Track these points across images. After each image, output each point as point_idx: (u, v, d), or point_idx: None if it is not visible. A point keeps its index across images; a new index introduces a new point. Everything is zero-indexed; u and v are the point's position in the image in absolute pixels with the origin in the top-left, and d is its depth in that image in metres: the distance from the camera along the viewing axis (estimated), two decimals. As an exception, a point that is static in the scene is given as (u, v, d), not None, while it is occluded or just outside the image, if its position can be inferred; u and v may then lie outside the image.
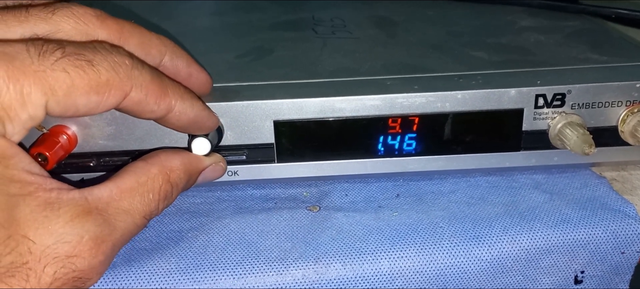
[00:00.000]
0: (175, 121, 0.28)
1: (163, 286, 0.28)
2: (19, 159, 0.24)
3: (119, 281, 0.28)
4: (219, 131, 0.32)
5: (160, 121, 0.28)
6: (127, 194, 0.27)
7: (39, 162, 0.29)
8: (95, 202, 0.25)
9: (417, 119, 0.33)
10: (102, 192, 0.26)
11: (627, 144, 0.34)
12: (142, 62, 0.26)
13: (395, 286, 0.30)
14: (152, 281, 0.29)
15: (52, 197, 0.24)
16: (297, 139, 0.33)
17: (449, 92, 0.33)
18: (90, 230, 0.25)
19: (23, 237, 0.23)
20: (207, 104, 0.32)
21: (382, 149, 0.34)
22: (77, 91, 0.23)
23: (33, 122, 0.23)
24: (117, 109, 0.26)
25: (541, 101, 0.33)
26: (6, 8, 0.26)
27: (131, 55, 0.26)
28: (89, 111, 0.25)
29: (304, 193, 0.35)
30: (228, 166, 0.34)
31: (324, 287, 0.29)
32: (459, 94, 0.33)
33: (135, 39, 0.28)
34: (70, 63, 0.23)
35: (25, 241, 0.23)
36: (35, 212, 0.23)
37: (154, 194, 0.28)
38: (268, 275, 0.29)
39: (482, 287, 0.30)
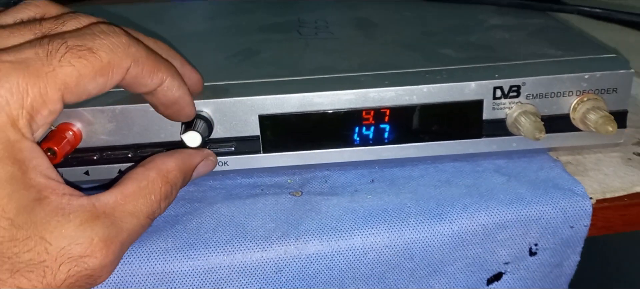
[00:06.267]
0: (161, 96, 0.31)
1: (161, 263, 0.32)
2: (38, 162, 0.27)
3: (121, 259, 0.32)
4: (209, 125, 0.36)
5: (150, 96, 0.31)
6: (131, 198, 0.30)
7: (48, 157, 0.33)
8: (103, 207, 0.28)
9: (388, 111, 0.37)
10: (108, 198, 0.29)
11: (578, 130, 0.38)
12: (137, 40, 0.29)
13: (367, 259, 0.33)
14: (151, 259, 0.32)
15: (63, 202, 0.27)
16: (280, 132, 0.37)
17: (416, 87, 0.36)
18: (100, 232, 0.27)
19: (41, 238, 0.26)
20: (199, 100, 0.36)
21: (358, 139, 0.38)
22: (85, 79, 0.27)
23: (53, 116, 0.27)
24: (118, 85, 0.29)
25: (499, 93, 0.37)
26: (22, 23, 0.29)
27: (127, 33, 0.29)
28: (99, 91, 0.28)
29: (288, 180, 0.39)
30: (218, 157, 0.37)
31: (304, 261, 0.33)
32: (425, 88, 0.36)
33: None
34: (74, 55, 0.26)
35: (42, 242, 0.26)
36: (50, 216, 0.26)
37: (155, 195, 0.31)
38: (254, 252, 0.33)
39: (444, 257, 0.34)
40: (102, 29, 0.28)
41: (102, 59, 0.27)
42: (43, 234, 0.26)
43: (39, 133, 0.27)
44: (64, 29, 0.29)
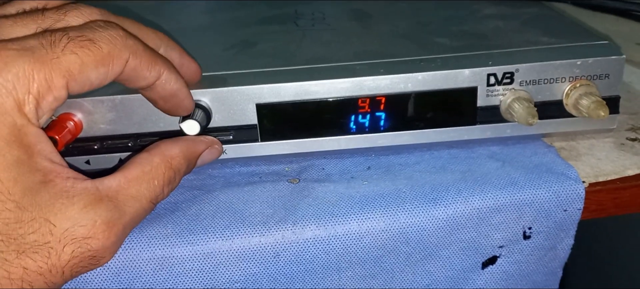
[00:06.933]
0: (160, 89, 0.32)
1: (161, 248, 0.33)
2: (43, 147, 0.28)
3: (122, 244, 0.32)
4: (208, 114, 0.37)
5: (149, 91, 0.32)
6: (134, 182, 0.30)
7: (52, 144, 0.33)
8: (106, 190, 0.29)
9: (383, 99, 0.38)
10: (111, 182, 0.29)
11: (571, 115, 0.38)
12: (134, 35, 0.30)
13: (363, 243, 0.34)
14: (152, 244, 0.33)
15: (68, 185, 0.28)
16: (277, 120, 0.38)
17: (410, 74, 0.37)
18: (103, 215, 0.28)
19: (45, 220, 0.27)
20: (198, 90, 0.36)
21: (354, 127, 0.38)
22: (88, 67, 0.27)
23: (57, 103, 0.27)
24: (118, 80, 0.30)
25: (492, 80, 0.37)
26: (25, 13, 0.30)
27: (123, 28, 0.30)
28: (100, 82, 0.28)
29: (286, 168, 0.40)
30: (217, 146, 0.38)
31: (302, 246, 0.34)
32: (419, 75, 0.37)
33: (134, 34, 0.32)
34: (76, 45, 0.27)
35: (47, 223, 0.27)
36: (54, 199, 0.27)
37: (158, 181, 0.31)
38: (252, 237, 0.33)
39: (439, 241, 0.35)
40: (100, 24, 0.29)
41: (102, 49, 0.28)
42: (47, 216, 0.27)
43: (43, 120, 0.28)
44: (65, 18, 0.30)
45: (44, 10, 0.30)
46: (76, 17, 0.30)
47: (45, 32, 0.28)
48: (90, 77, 0.28)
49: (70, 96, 0.28)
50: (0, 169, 0.26)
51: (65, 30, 0.28)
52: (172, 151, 0.33)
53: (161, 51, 0.34)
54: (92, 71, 0.28)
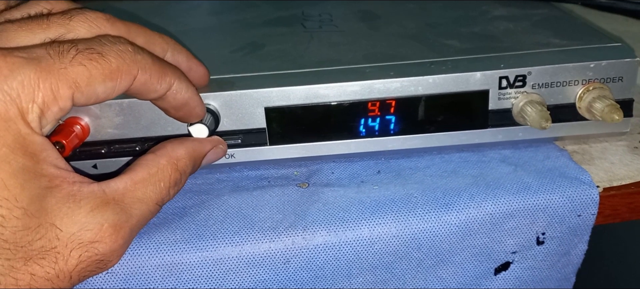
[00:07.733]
0: (172, 99, 0.31)
1: (170, 254, 0.32)
2: (48, 154, 0.27)
3: (130, 251, 0.32)
4: (216, 118, 0.36)
5: (160, 101, 0.32)
6: (141, 184, 0.30)
7: (57, 150, 0.33)
8: (112, 193, 0.29)
9: (393, 102, 0.37)
10: (118, 184, 0.29)
11: (584, 119, 0.38)
12: (143, 49, 0.30)
13: (374, 249, 0.34)
14: (160, 250, 0.32)
15: (74, 190, 0.27)
16: (286, 124, 0.37)
17: (421, 77, 0.36)
18: (109, 218, 0.28)
19: (51, 225, 0.26)
20: (206, 93, 0.36)
21: (364, 130, 0.38)
22: (96, 80, 0.27)
23: (62, 113, 0.27)
24: (128, 93, 0.29)
25: (504, 83, 0.37)
26: (29, 17, 0.30)
27: (132, 43, 0.29)
28: (107, 96, 0.28)
29: (295, 172, 0.39)
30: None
31: (312, 252, 0.33)
32: (430, 78, 0.36)
33: (141, 38, 0.32)
34: (85, 57, 0.27)
35: (53, 228, 0.26)
36: (60, 203, 0.27)
37: (164, 183, 0.31)
38: (262, 242, 0.33)
39: (452, 247, 0.34)
40: (109, 38, 0.29)
41: (111, 63, 0.28)
42: (54, 221, 0.26)
43: (47, 129, 0.27)
44: (71, 23, 0.29)
45: (48, 15, 0.30)
46: (81, 22, 0.30)
47: (53, 42, 0.28)
48: (97, 90, 0.27)
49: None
50: (6, 176, 0.25)
51: (73, 42, 0.28)
52: (178, 152, 0.32)
53: (168, 55, 0.34)
54: (100, 85, 0.27)
